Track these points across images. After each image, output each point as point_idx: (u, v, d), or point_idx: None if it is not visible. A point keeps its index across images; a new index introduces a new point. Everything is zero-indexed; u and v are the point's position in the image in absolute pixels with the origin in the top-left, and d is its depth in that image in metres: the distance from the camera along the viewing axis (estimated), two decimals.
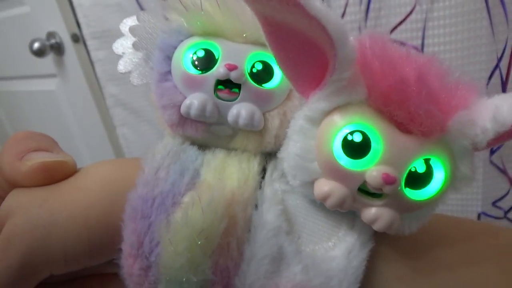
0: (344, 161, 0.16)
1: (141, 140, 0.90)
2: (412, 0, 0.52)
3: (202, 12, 0.20)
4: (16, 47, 1.03)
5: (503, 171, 0.58)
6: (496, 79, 0.53)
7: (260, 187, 0.20)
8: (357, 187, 0.17)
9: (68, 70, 0.97)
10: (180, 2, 0.20)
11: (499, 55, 0.51)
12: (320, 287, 0.17)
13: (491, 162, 0.58)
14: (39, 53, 0.90)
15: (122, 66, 0.22)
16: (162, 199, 0.18)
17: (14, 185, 0.20)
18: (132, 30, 0.21)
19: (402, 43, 0.55)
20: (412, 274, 0.18)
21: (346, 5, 0.56)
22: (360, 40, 0.16)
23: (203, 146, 0.21)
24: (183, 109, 0.19)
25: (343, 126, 0.16)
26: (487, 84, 0.53)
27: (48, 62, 0.97)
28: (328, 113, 0.17)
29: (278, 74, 0.20)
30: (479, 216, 0.62)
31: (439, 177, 0.17)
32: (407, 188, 0.17)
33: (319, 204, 0.19)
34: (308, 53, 0.17)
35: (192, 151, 0.20)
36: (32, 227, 0.18)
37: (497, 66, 0.51)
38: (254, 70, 0.20)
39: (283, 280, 0.17)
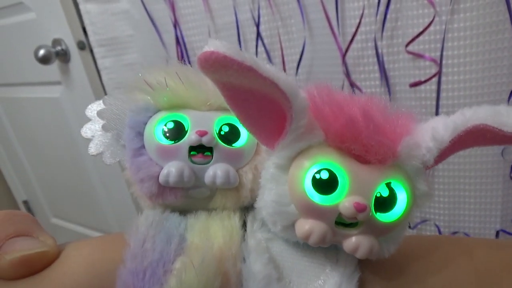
0: (317, 198, 0.18)
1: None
2: (431, 11, 0.51)
3: (168, 89, 0.21)
4: (21, 54, 1.02)
5: None
6: None
7: (244, 240, 0.21)
8: (334, 220, 0.18)
9: (73, 77, 0.96)
10: (146, 83, 0.22)
11: None
12: None
13: (511, 179, 0.56)
14: (45, 60, 0.89)
15: (93, 149, 0.23)
16: (153, 269, 0.18)
17: None
18: (100, 113, 0.23)
19: (420, 55, 0.54)
20: None
21: (362, 16, 0.55)
22: (308, 91, 0.19)
23: (183, 212, 0.22)
24: (161, 178, 0.20)
25: (310, 167, 0.18)
26: (509, 98, 0.51)
27: (53, 69, 0.96)
28: (294, 158, 0.19)
29: (244, 133, 0.22)
30: (497, 233, 0.60)
31: (402, 197, 0.19)
32: (378, 213, 0.18)
33: (302, 246, 0.20)
34: (266, 109, 0.19)
35: (174, 217, 0.21)
36: None
37: None
38: (222, 133, 0.22)
39: None
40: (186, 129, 0.21)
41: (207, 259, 0.18)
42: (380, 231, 0.19)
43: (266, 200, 0.20)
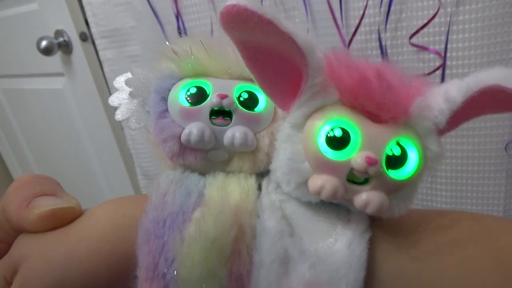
0: (330, 154, 0.19)
1: (149, 143, 0.89)
2: (436, 3, 0.50)
3: (192, 57, 0.23)
4: (23, 45, 1.02)
5: None
6: None
7: (259, 199, 0.21)
8: (346, 175, 0.19)
9: (76, 69, 0.95)
10: (172, 50, 0.23)
11: None
12: (329, 281, 0.18)
13: None
14: (47, 51, 0.89)
15: (120, 116, 0.24)
16: (173, 219, 0.19)
17: (20, 231, 0.20)
18: (127, 82, 0.24)
19: (424, 48, 0.53)
20: (409, 262, 0.19)
21: (366, 7, 0.54)
22: (326, 54, 0.19)
23: (202, 174, 0.23)
24: (183, 137, 0.21)
25: (324, 124, 0.19)
26: None
27: (55, 60, 0.96)
28: (308, 116, 0.20)
29: (262, 100, 0.23)
30: None
31: (413, 156, 0.19)
32: (389, 170, 0.19)
33: (314, 206, 0.21)
34: (283, 69, 0.20)
35: (194, 176, 0.22)
36: (49, 268, 0.19)
37: None
38: (242, 99, 0.23)
39: (293, 280, 0.18)
40: (208, 94, 0.22)
41: (225, 210, 0.19)
42: (391, 188, 0.19)
43: (281, 160, 0.20)
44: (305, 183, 0.20)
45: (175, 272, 0.18)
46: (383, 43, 0.55)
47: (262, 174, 0.23)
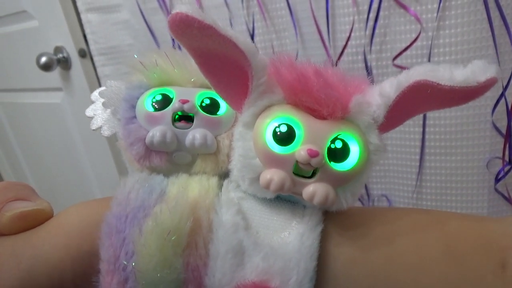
0: (277, 148, 0.20)
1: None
2: (418, 27, 0.53)
3: (158, 67, 0.25)
4: (24, 61, 1.04)
5: (508, 199, 0.58)
6: (501, 107, 0.52)
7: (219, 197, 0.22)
8: (292, 167, 0.20)
9: (74, 84, 0.98)
10: (140, 63, 0.25)
11: (504, 84, 0.51)
12: (281, 271, 0.19)
13: (496, 190, 0.57)
14: (46, 67, 0.91)
15: (94, 125, 0.27)
16: (134, 214, 0.20)
17: None
18: (101, 93, 0.26)
19: (407, 69, 0.56)
20: (359, 252, 0.20)
21: (351, 30, 0.56)
22: (271, 59, 0.21)
23: (167, 176, 0.24)
24: (147, 139, 0.23)
25: (271, 121, 0.20)
26: (492, 112, 0.53)
27: (54, 76, 0.98)
28: (257, 115, 0.21)
29: (223, 106, 0.25)
30: None
31: (355, 149, 0.20)
32: (332, 162, 0.20)
33: (271, 203, 0.22)
34: (233, 73, 0.21)
35: (159, 177, 0.23)
36: (18, 262, 0.20)
37: (502, 94, 0.51)
38: (204, 104, 0.24)
39: (247, 271, 0.19)
40: (171, 100, 0.24)
41: (181, 203, 0.20)
42: (336, 180, 0.20)
43: (235, 157, 0.22)
44: (257, 178, 0.21)
45: (133, 263, 0.19)
46: (369, 64, 0.57)
47: (226, 176, 0.24)
